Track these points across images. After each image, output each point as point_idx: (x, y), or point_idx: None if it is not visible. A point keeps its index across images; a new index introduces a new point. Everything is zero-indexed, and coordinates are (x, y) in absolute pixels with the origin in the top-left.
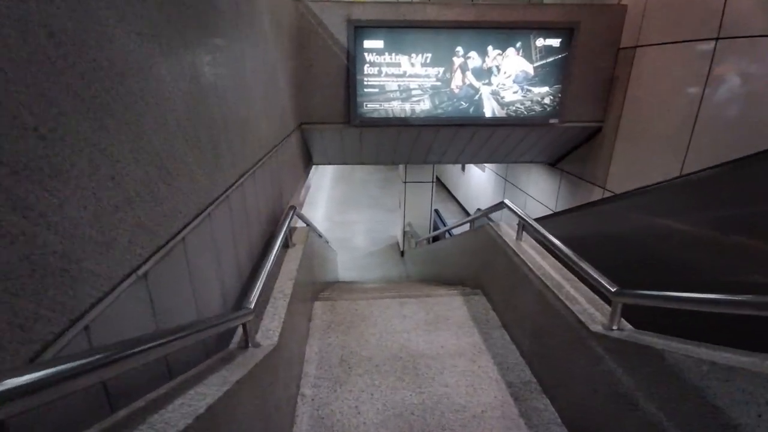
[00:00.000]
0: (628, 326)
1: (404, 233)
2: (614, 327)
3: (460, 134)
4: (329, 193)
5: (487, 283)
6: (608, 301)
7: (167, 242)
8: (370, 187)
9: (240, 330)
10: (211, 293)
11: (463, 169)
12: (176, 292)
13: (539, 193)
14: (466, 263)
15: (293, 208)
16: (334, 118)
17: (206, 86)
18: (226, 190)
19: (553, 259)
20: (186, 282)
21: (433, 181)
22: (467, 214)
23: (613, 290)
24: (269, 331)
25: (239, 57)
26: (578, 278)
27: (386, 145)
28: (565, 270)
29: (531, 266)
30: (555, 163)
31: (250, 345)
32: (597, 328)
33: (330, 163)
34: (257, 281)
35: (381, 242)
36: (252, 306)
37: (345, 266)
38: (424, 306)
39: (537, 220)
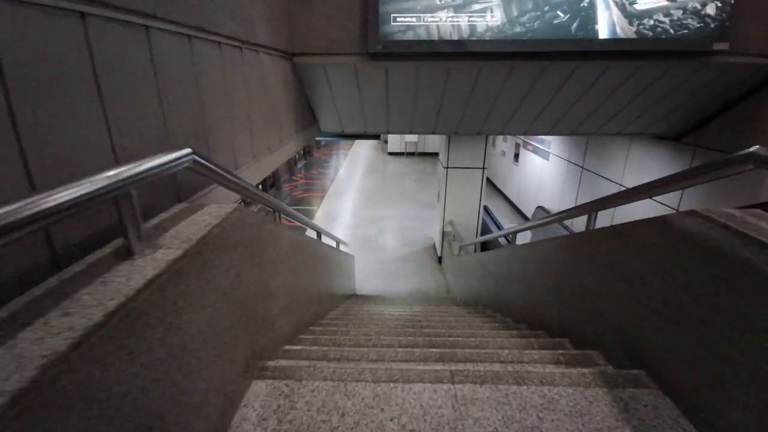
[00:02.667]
0: None
1: (443, 234)
2: None
3: (545, 77)
4: (357, 185)
5: (676, 351)
6: None
7: None
8: (404, 180)
9: None
10: None
11: (516, 158)
12: None
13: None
14: (561, 294)
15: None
16: (345, 45)
17: None
18: None
19: None
20: None
21: (484, 167)
22: (521, 214)
23: None
24: None
25: None
26: None
27: (426, 96)
28: None
29: None
30: (682, 135)
31: None
32: None
33: (343, 132)
34: None
35: (414, 244)
36: None
37: (368, 272)
38: (515, 409)
39: None
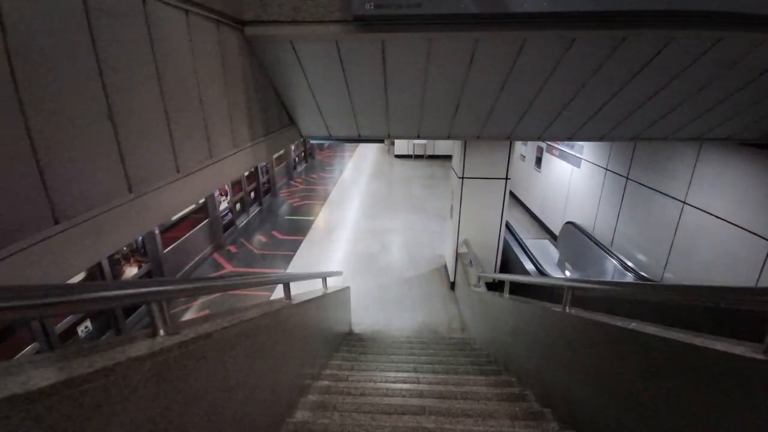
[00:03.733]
0: None
1: (457, 255)
2: None
3: (621, 55)
4: (360, 190)
5: None
6: None
7: None
8: (412, 185)
9: None
10: None
11: (539, 163)
12: None
13: (724, 203)
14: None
15: None
16: (320, 9)
17: None
18: None
19: None
20: None
21: (507, 178)
22: (545, 228)
23: None
24: None
25: None
26: None
27: (440, 84)
28: None
29: None
30: None
31: None
32: None
33: (331, 137)
34: None
35: (422, 264)
36: None
37: (367, 301)
38: None
39: None
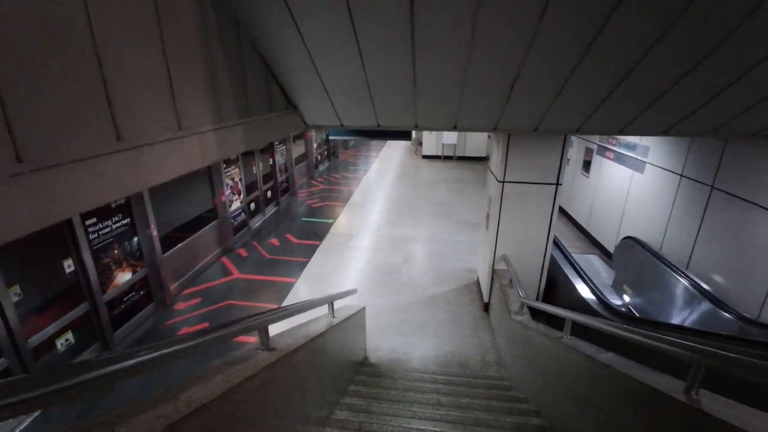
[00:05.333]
0: None
1: (493, 273)
2: None
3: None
4: (384, 193)
5: None
6: None
7: None
8: (439, 190)
9: None
10: None
11: (587, 167)
12: None
13: None
14: None
15: None
16: None
17: None
18: None
19: None
20: None
21: (558, 183)
22: (591, 241)
23: None
24: None
25: None
26: None
27: (493, 43)
28: None
29: None
30: None
31: None
32: None
33: (343, 126)
34: None
35: (450, 279)
36: None
37: (384, 323)
38: None
39: None
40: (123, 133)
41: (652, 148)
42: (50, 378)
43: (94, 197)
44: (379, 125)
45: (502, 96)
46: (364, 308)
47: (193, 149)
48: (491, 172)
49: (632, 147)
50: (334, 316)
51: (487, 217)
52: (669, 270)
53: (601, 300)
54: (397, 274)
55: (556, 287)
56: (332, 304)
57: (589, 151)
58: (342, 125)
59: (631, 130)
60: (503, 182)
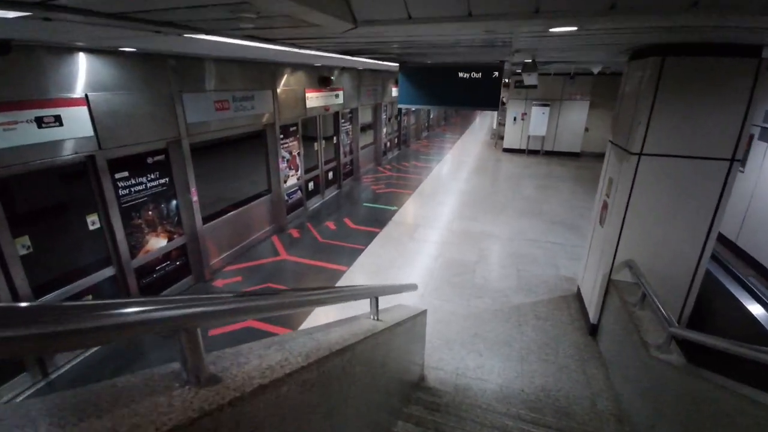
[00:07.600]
0: None
1: (609, 284)
2: None
3: None
4: (457, 186)
5: None
6: None
7: None
8: (523, 185)
9: None
10: None
11: (743, 161)
12: None
13: None
14: None
15: None
16: None
17: None
18: None
19: None
20: None
21: (733, 159)
22: (743, 257)
23: None
24: None
25: None
26: None
27: None
28: None
29: None
30: None
31: None
32: None
33: (410, 17)
34: None
35: (539, 288)
36: None
37: (450, 334)
38: None
39: None
40: None
41: None
42: None
43: None
44: (470, 12)
45: None
46: (425, 311)
47: None
48: (613, 143)
49: None
50: (378, 319)
51: (604, 207)
52: None
53: None
54: (470, 275)
55: (709, 313)
56: (375, 301)
57: (750, 137)
58: (410, 17)
59: None
60: (639, 155)
